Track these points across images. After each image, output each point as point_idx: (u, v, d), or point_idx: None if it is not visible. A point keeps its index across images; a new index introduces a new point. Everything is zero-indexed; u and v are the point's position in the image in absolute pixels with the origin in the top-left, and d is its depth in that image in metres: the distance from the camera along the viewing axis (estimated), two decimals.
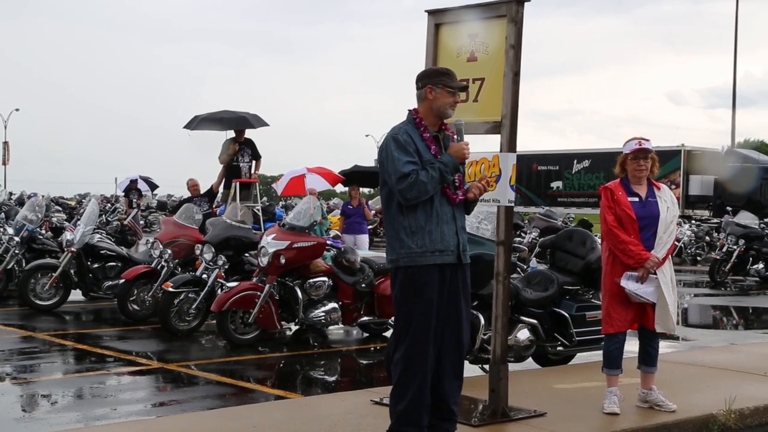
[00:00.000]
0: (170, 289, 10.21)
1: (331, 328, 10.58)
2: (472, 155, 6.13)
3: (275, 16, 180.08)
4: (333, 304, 9.99)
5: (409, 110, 5.11)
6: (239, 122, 14.95)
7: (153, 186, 39.04)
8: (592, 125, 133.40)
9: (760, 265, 19.23)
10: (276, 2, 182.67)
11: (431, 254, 4.90)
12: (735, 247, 19.05)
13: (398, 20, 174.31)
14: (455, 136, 5.09)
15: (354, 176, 16.93)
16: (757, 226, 20.13)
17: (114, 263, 12.46)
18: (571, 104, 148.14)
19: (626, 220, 6.25)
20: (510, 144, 5.98)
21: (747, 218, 20.30)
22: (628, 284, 6.22)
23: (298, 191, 20.71)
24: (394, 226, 4.96)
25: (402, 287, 4.96)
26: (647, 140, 6.36)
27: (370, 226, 19.31)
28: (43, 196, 26.84)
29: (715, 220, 27.19)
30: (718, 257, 19.32)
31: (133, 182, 25.80)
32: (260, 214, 15.47)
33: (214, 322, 9.89)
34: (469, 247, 7.55)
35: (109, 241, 13.05)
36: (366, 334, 10.72)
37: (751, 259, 19.27)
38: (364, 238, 15.88)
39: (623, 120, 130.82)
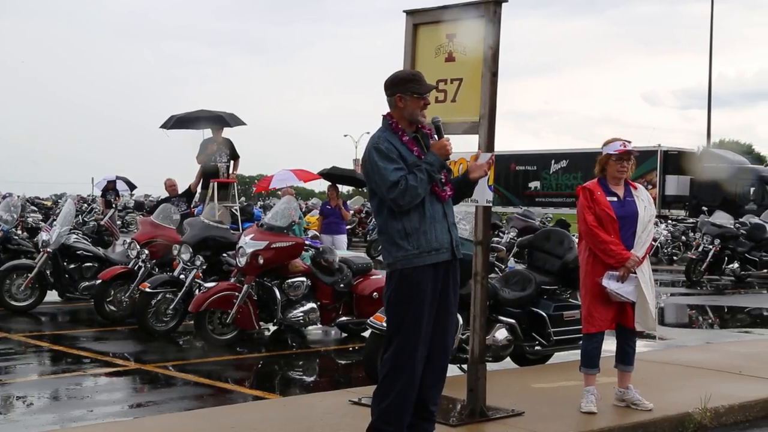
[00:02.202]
0: (147, 290, 10.15)
1: (309, 328, 10.58)
2: (452, 155, 6.17)
3: (251, 16, 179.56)
4: (311, 305, 9.98)
5: (384, 116, 5.10)
6: (216, 121, 14.90)
7: (131, 186, 38.85)
8: (568, 125, 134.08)
9: (735, 265, 19.42)
10: (251, 2, 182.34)
11: (428, 254, 4.91)
12: (710, 246, 19.21)
13: (375, 20, 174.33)
14: (434, 134, 5.09)
15: (332, 177, 16.91)
16: (732, 226, 20.32)
17: (90, 264, 12.37)
18: (547, 105, 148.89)
19: (606, 219, 6.29)
20: (488, 144, 5.99)
21: (722, 218, 20.48)
22: (609, 283, 6.26)
23: (265, 187, 20.85)
24: (389, 231, 4.95)
25: (397, 288, 4.96)
26: (629, 142, 6.41)
27: (348, 227, 19.30)
28: (18, 196, 26.65)
29: (691, 220, 27.39)
30: (694, 257, 19.49)
31: (111, 182, 25.68)
32: (238, 214, 15.42)
33: (192, 322, 9.85)
34: None
35: (85, 242, 12.95)
36: (344, 335, 10.71)
37: (726, 258, 19.46)
38: (342, 239, 15.88)
39: (599, 120, 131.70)
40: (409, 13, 6.53)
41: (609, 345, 6.69)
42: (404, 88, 5.02)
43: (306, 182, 22.24)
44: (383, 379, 5.00)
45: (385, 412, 4.96)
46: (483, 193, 5.99)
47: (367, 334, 9.74)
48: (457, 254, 5.03)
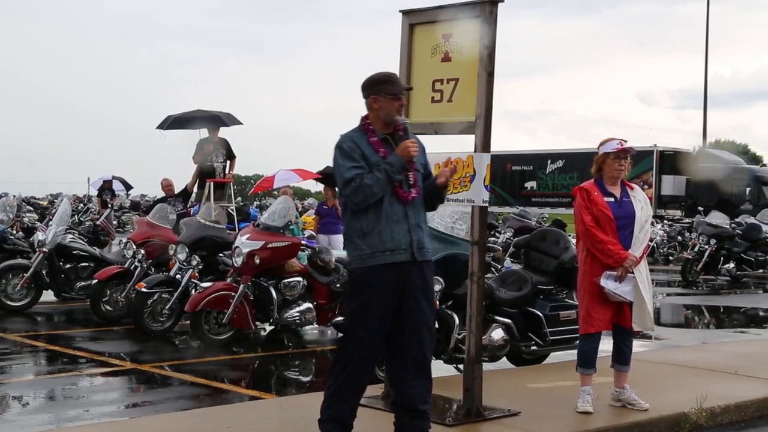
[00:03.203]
0: (143, 290, 10.15)
1: (305, 328, 10.57)
2: (446, 155, 6.18)
3: (247, 16, 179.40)
4: (308, 304, 9.98)
5: (361, 117, 5.15)
6: (212, 121, 14.89)
7: (127, 186, 38.81)
8: (563, 125, 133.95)
9: (731, 265, 19.45)
10: (248, 2, 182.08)
11: (381, 254, 4.92)
12: (706, 246, 19.25)
13: (371, 20, 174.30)
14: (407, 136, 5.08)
15: (329, 177, 16.91)
16: (728, 226, 20.36)
17: (86, 264, 12.35)
18: (543, 104, 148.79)
19: (604, 220, 6.29)
20: (484, 144, 6.00)
21: (718, 218, 20.52)
22: (607, 284, 6.27)
23: (268, 187, 20.78)
24: (349, 230, 5.04)
25: (351, 287, 5.12)
26: (626, 141, 6.42)
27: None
28: (14, 196, 26.59)
29: (687, 220, 27.43)
30: (689, 257, 19.52)
31: (107, 182, 25.66)
32: (234, 214, 15.41)
33: (188, 322, 9.84)
34: (443, 246, 7.66)
35: (81, 242, 12.94)
36: (341, 334, 10.67)
37: (722, 258, 19.49)
38: (339, 238, 15.83)
39: (595, 120, 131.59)
40: (406, 13, 6.53)
41: (605, 345, 6.69)
42: (377, 90, 5.05)
43: (305, 180, 22.29)
44: (329, 370, 5.18)
45: (327, 399, 5.08)
46: (479, 193, 6.00)
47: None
48: (418, 256, 4.98)
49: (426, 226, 5.13)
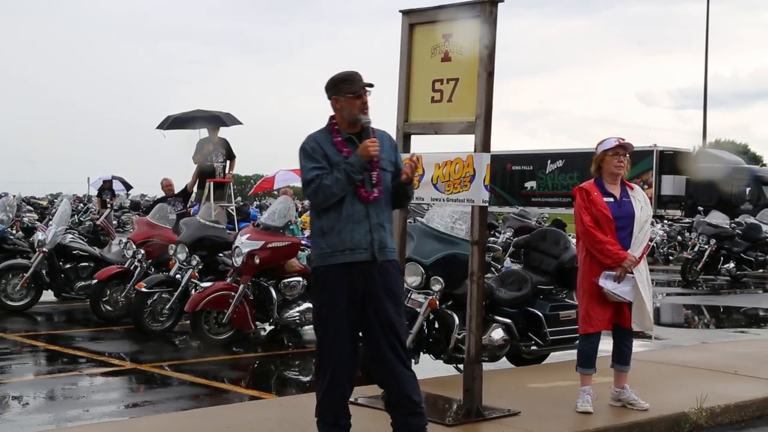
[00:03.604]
0: (143, 290, 10.15)
1: (305, 328, 10.55)
2: (446, 155, 6.19)
3: (247, 16, 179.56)
4: (307, 304, 9.96)
5: (329, 117, 5.13)
6: (212, 121, 14.89)
7: (127, 186, 38.82)
8: (563, 125, 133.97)
9: (731, 265, 19.44)
10: (247, 2, 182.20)
11: (340, 253, 4.92)
12: (706, 246, 19.24)
13: (370, 20, 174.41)
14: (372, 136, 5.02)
15: None
16: (728, 226, 20.34)
17: (86, 263, 12.35)
18: (542, 104, 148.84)
19: (603, 220, 6.29)
20: (484, 144, 6.00)
21: (718, 218, 20.51)
22: (606, 284, 6.26)
23: (268, 187, 20.80)
24: (313, 230, 5.08)
25: (314, 286, 5.18)
26: (623, 139, 6.42)
27: None
28: (14, 196, 26.57)
29: (687, 220, 27.42)
30: (689, 257, 19.51)
31: (107, 182, 25.65)
32: (234, 213, 15.41)
33: (188, 322, 9.84)
34: (443, 246, 7.66)
35: (81, 242, 12.94)
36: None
37: (722, 258, 19.48)
38: None
39: (594, 120, 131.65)
40: (405, 13, 6.53)
41: (605, 345, 6.69)
42: (337, 90, 5.03)
43: None
44: (315, 373, 5.24)
45: (318, 405, 5.09)
46: (479, 193, 5.99)
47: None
48: (379, 256, 4.93)
49: (390, 226, 5.08)
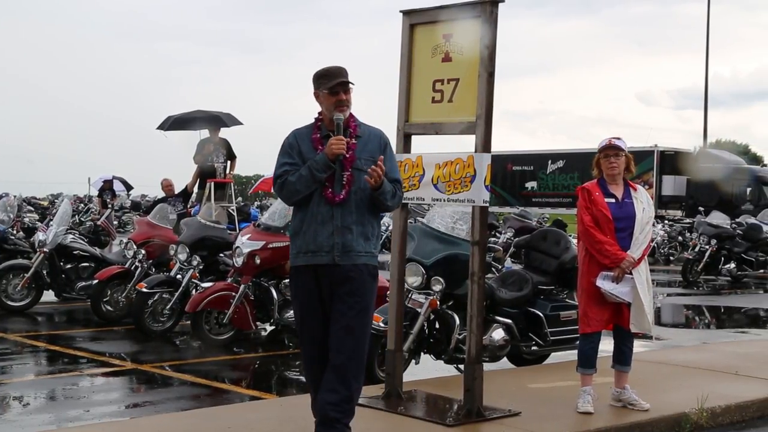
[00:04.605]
0: (144, 290, 10.15)
1: None
2: (447, 155, 6.19)
3: (246, 16, 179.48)
4: None
5: (318, 112, 5.08)
6: (213, 121, 14.89)
7: (128, 186, 38.83)
8: (563, 125, 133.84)
9: (732, 265, 19.44)
10: (247, 2, 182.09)
11: (304, 255, 4.91)
12: (707, 246, 19.24)
13: (370, 20, 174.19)
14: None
15: None
16: (728, 226, 20.36)
17: (87, 264, 12.36)
18: (542, 105, 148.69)
19: (602, 220, 6.29)
20: (485, 144, 6.00)
21: (719, 218, 20.52)
22: (603, 284, 6.26)
23: (268, 188, 20.82)
24: (290, 229, 5.13)
25: (290, 287, 5.22)
26: (618, 138, 6.41)
27: None
28: (14, 197, 26.62)
29: (688, 220, 27.42)
30: (690, 257, 19.52)
31: (107, 182, 25.67)
32: (235, 214, 15.41)
33: (189, 322, 9.84)
34: (443, 246, 7.66)
35: (82, 242, 12.94)
36: None
37: (722, 258, 19.48)
38: None
39: (594, 120, 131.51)
40: (406, 13, 6.53)
41: (606, 345, 6.69)
42: (317, 85, 4.99)
43: None
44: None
45: (312, 405, 5.13)
46: (480, 194, 6.00)
47: None
48: (340, 260, 4.81)
49: (364, 229, 4.90)
